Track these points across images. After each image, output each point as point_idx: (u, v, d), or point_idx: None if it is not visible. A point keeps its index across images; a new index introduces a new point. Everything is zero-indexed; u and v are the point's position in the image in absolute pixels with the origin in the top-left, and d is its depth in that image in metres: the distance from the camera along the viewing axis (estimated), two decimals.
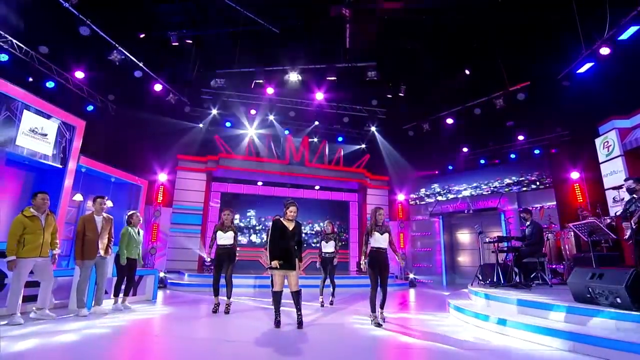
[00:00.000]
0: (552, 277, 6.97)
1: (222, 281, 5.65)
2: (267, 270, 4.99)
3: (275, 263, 4.53)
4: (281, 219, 4.83)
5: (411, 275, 12.48)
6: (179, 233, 12.09)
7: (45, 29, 9.14)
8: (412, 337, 4.30)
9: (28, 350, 3.36)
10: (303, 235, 6.58)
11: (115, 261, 5.90)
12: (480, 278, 7.23)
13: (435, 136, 13.41)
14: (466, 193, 13.19)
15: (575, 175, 10.78)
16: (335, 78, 11.23)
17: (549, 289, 6.04)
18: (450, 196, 13.51)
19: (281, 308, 4.76)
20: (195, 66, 11.90)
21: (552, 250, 8.31)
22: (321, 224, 14.04)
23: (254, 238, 13.68)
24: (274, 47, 11.12)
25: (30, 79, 9.34)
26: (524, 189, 12.00)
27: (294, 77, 11.23)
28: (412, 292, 10.24)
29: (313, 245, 13.67)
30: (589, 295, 4.09)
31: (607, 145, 8.78)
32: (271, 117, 13.80)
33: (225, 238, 5.73)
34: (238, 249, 6.10)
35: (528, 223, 6.95)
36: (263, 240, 13.37)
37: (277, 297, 4.70)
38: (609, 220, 7.01)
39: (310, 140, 14.02)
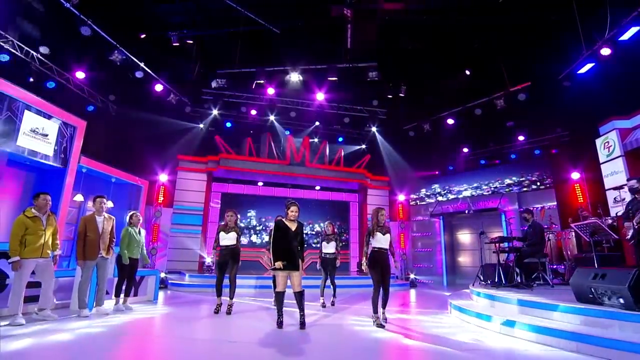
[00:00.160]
0: (553, 278, 6.96)
1: (226, 281, 5.64)
2: (269, 270, 4.98)
3: (279, 264, 4.53)
4: (283, 220, 4.82)
5: (412, 276, 12.48)
6: (180, 233, 12.08)
7: (46, 29, 9.14)
8: (415, 338, 4.29)
9: (29, 350, 3.35)
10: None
11: (117, 262, 5.89)
12: (482, 278, 7.22)
13: (436, 136, 13.43)
14: (467, 193, 13.19)
15: (575, 175, 10.78)
16: (336, 78, 11.23)
17: (550, 289, 6.04)
18: (451, 196, 13.52)
19: (283, 308, 4.76)
20: (196, 66, 11.92)
21: (553, 250, 8.31)
22: (321, 224, 14.04)
23: (254, 238, 13.68)
24: (275, 47, 11.13)
25: (31, 79, 9.32)
26: (525, 189, 12.01)
27: (295, 77, 11.25)
28: (412, 292, 10.24)
29: (313, 245, 13.66)
30: (591, 296, 4.09)
31: (608, 145, 8.79)
32: (272, 118, 13.80)
33: (227, 239, 5.73)
34: None
35: (529, 223, 6.94)
36: (264, 241, 13.37)
37: (280, 297, 4.70)
38: (610, 221, 7.01)
39: (310, 140, 14.02)
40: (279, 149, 13.41)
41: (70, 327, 4.33)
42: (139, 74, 10.56)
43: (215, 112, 13.35)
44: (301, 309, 4.63)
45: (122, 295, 5.78)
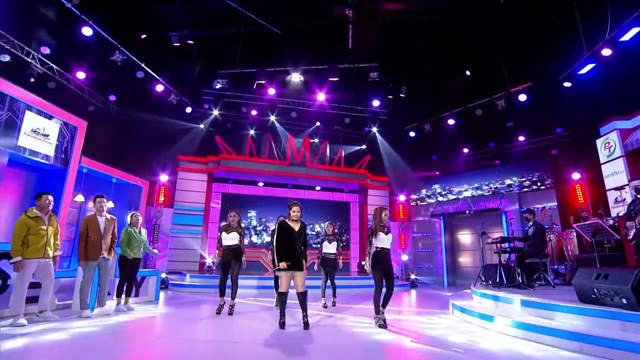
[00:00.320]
0: (554, 278, 6.96)
1: (229, 282, 5.64)
2: (273, 271, 4.97)
3: (283, 264, 4.52)
4: (286, 220, 4.81)
5: (412, 276, 12.49)
6: (180, 234, 12.07)
7: (47, 29, 9.13)
8: (417, 339, 4.28)
9: (29, 350, 3.35)
10: None
11: (118, 262, 5.89)
12: (483, 279, 7.21)
13: (436, 137, 13.44)
14: (467, 194, 13.20)
15: (576, 175, 10.79)
16: (337, 79, 11.25)
17: (552, 289, 6.04)
18: (451, 197, 13.52)
19: (285, 309, 4.75)
20: (196, 67, 11.92)
21: (554, 250, 8.31)
22: (322, 224, 14.04)
23: (254, 239, 13.66)
24: (276, 48, 11.13)
25: (32, 80, 9.32)
26: (525, 189, 12.01)
27: (295, 77, 11.25)
28: (413, 292, 10.24)
29: (314, 246, 13.64)
30: (594, 296, 4.09)
31: (608, 146, 8.80)
32: (272, 118, 13.80)
33: (229, 239, 5.73)
34: None
35: (530, 224, 6.94)
36: (264, 241, 13.36)
37: (282, 298, 4.68)
38: (611, 221, 7.01)
39: (311, 140, 14.02)
40: (280, 149, 13.41)
41: (72, 327, 4.33)
42: (139, 74, 10.56)
43: (215, 112, 13.35)
44: (304, 309, 4.61)
45: (123, 296, 5.78)
